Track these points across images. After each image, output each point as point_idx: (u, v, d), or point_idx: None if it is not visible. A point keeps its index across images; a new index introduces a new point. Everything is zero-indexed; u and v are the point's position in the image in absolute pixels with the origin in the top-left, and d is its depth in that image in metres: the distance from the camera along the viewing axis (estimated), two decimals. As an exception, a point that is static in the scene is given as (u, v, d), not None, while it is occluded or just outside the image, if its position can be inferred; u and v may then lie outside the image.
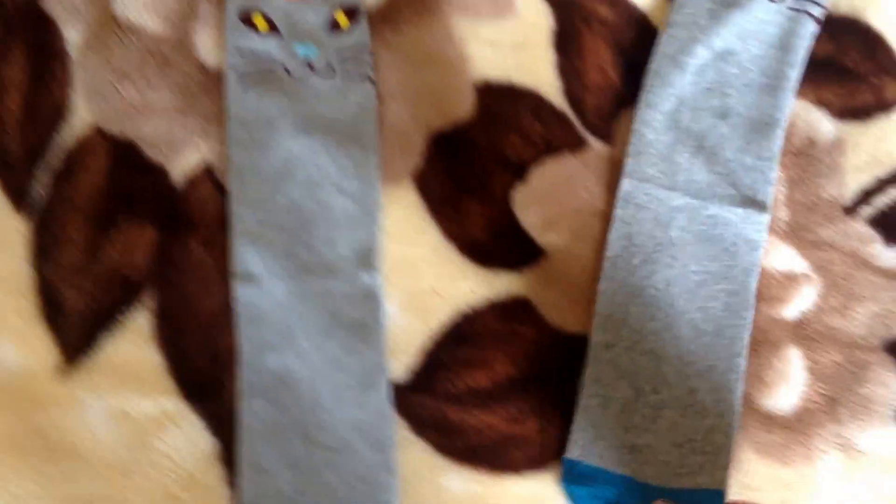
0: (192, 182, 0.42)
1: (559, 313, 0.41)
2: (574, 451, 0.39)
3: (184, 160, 0.42)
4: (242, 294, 0.41)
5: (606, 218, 0.42)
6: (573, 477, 0.39)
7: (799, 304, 0.41)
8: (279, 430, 0.40)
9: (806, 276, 0.41)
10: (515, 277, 0.41)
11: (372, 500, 0.39)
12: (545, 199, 0.42)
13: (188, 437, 0.40)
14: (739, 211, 0.41)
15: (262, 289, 0.41)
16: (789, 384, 0.40)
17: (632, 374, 0.40)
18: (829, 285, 0.41)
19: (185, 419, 0.40)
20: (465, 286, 0.41)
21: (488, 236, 0.42)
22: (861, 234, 0.42)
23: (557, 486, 0.40)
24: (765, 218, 0.41)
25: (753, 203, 0.41)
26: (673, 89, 0.42)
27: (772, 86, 0.43)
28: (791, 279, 0.41)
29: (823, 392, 0.40)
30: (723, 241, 0.41)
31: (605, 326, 0.40)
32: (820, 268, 0.41)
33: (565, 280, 0.41)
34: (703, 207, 0.41)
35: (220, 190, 0.42)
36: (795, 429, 0.39)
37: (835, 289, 0.41)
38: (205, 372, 0.41)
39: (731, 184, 0.41)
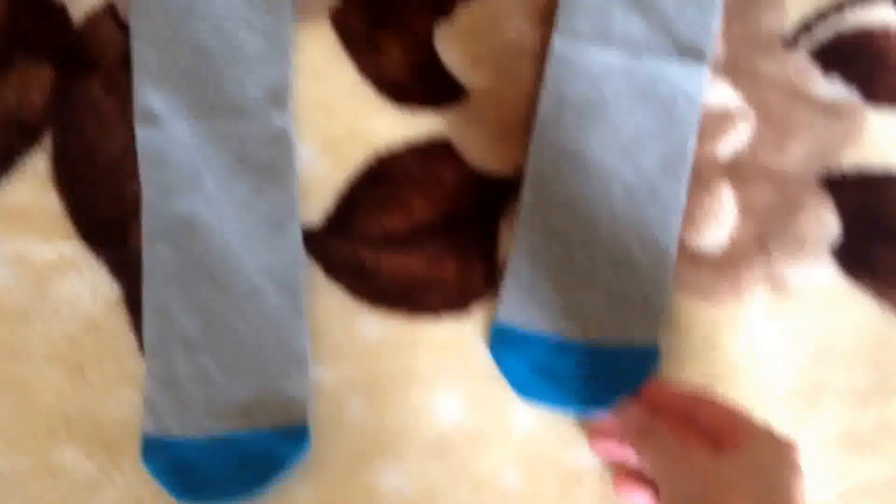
0: (93, 21, 0.40)
1: (481, 154, 0.39)
2: (502, 314, 0.38)
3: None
4: (145, 136, 0.39)
5: (534, 58, 0.40)
6: (502, 342, 0.38)
7: (733, 140, 0.39)
8: (185, 274, 0.38)
9: (741, 111, 0.39)
10: (436, 117, 0.40)
11: (281, 345, 0.38)
12: (470, 36, 0.40)
13: (90, 282, 0.38)
14: (678, 65, 0.39)
15: (165, 131, 0.39)
16: (720, 222, 0.39)
17: (564, 234, 0.38)
18: (765, 120, 0.39)
19: (87, 264, 0.38)
20: (383, 127, 0.39)
21: (408, 75, 0.40)
22: (800, 67, 0.40)
23: (476, 330, 0.39)
24: (704, 70, 0.39)
25: (693, 55, 0.39)
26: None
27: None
28: (725, 115, 0.39)
29: (755, 229, 0.38)
30: (660, 98, 0.39)
31: (537, 187, 0.39)
32: (756, 103, 0.39)
33: (488, 121, 0.40)
34: (640, 63, 0.39)
35: (123, 29, 0.40)
36: (724, 267, 0.38)
37: (770, 124, 0.39)
38: (107, 216, 0.39)
39: (669, 37, 0.39)
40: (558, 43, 0.40)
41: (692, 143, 0.39)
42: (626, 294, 0.38)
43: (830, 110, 0.39)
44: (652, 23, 0.39)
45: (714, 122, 0.39)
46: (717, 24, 0.39)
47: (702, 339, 0.38)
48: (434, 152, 0.39)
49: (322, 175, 0.39)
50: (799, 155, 0.39)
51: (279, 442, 0.38)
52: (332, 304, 0.39)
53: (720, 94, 0.40)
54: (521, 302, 0.38)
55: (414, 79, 0.40)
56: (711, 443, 0.32)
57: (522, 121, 0.40)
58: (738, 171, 0.39)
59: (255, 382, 0.38)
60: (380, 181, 0.39)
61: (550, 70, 0.39)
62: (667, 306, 0.38)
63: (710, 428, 0.33)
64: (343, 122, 0.40)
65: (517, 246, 0.39)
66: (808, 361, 0.38)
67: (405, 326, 0.39)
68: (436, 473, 0.38)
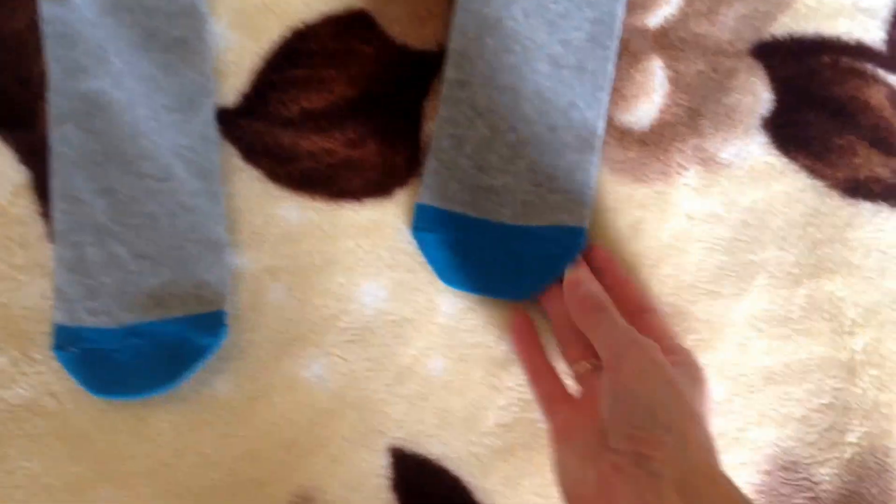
0: None
1: (402, 28, 0.38)
2: (425, 196, 0.37)
3: None
4: (48, 12, 0.37)
5: None
6: (423, 223, 0.37)
7: (663, 9, 0.38)
8: (93, 157, 0.36)
9: None
10: None
11: (196, 230, 0.36)
12: None
13: None
14: None
15: (68, 4, 0.37)
16: (650, 97, 0.38)
17: (488, 112, 0.37)
18: None
19: None
20: (299, 0, 0.38)
21: None
22: None
23: (399, 215, 0.37)
24: None
25: None
26: None
27: None
28: None
29: (685, 103, 0.37)
30: None
31: (459, 63, 0.37)
32: None
33: None
34: None
35: None
36: (654, 144, 0.37)
37: None
38: (12, 98, 0.37)
39: None
40: None
41: (621, 12, 0.37)
42: (553, 175, 0.37)
43: None
44: None
45: None
46: None
47: (630, 220, 0.37)
48: (354, 26, 0.38)
49: (236, 51, 0.38)
50: (731, 23, 0.37)
51: (195, 330, 0.37)
52: (250, 189, 0.38)
53: None
54: (443, 183, 0.37)
55: None
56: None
57: None
58: (668, 43, 0.38)
59: (170, 269, 0.37)
60: (297, 57, 0.38)
61: None
62: (594, 187, 0.37)
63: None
64: None
65: (439, 124, 0.37)
66: (740, 240, 0.37)
67: (326, 212, 0.38)
68: (358, 361, 0.37)
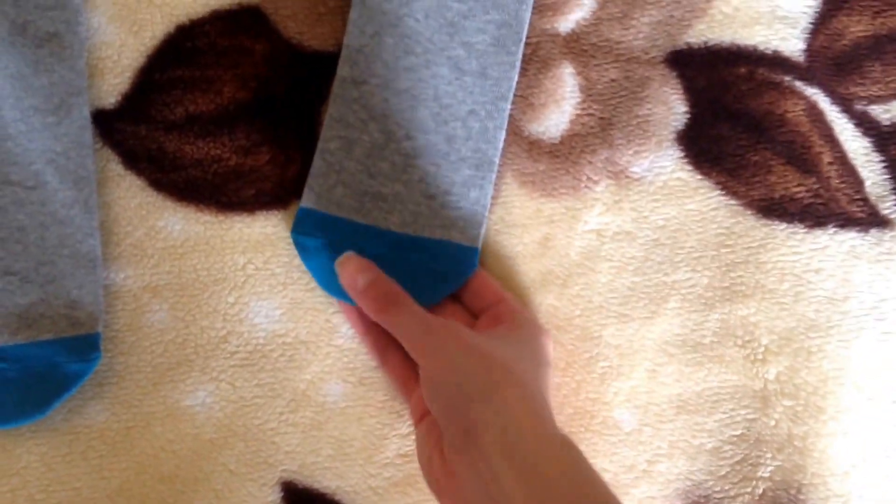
0: None
1: (298, 25, 0.37)
2: (309, 199, 0.36)
3: None
4: None
5: None
6: (306, 227, 0.36)
7: (575, 13, 0.37)
8: None
9: None
10: None
11: (68, 244, 0.35)
12: None
13: None
14: None
15: None
16: (560, 106, 0.37)
17: (383, 116, 0.36)
18: None
19: None
20: None
21: None
22: None
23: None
24: None
25: None
26: None
27: None
28: None
29: (597, 113, 0.37)
30: None
31: (355, 60, 0.36)
32: None
33: None
34: None
35: None
36: (563, 156, 0.37)
37: None
38: None
39: None
40: None
41: (527, 16, 0.37)
42: (447, 189, 0.36)
43: None
44: None
45: None
46: None
47: (538, 236, 0.37)
48: (245, 22, 0.37)
49: (115, 48, 0.36)
50: (645, 29, 0.37)
51: (66, 354, 0.35)
52: (130, 198, 0.36)
53: None
54: (329, 186, 0.36)
55: None
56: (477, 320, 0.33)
57: None
58: (580, 49, 0.37)
59: (40, 287, 0.35)
60: (182, 55, 0.36)
61: None
62: (488, 208, 0.36)
63: (476, 303, 0.34)
64: None
65: (328, 124, 0.36)
66: (651, 260, 0.37)
67: (214, 224, 0.36)
68: (248, 388, 0.36)
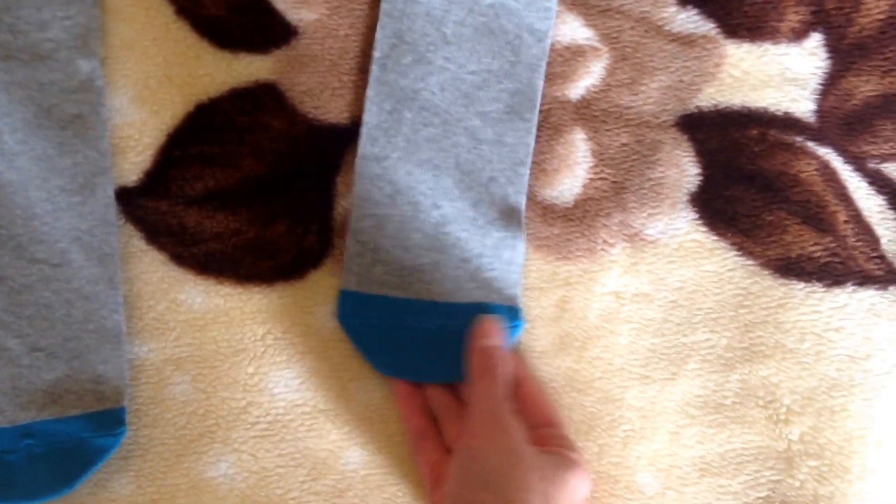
0: None
1: (313, 101, 0.40)
2: (349, 282, 0.38)
3: None
4: None
5: None
6: (350, 310, 0.38)
7: (585, 80, 0.40)
8: None
9: (593, 48, 0.40)
10: (261, 60, 0.40)
11: (93, 319, 0.38)
12: None
13: None
14: None
15: None
16: (572, 171, 0.40)
17: (408, 189, 0.38)
18: (618, 57, 0.41)
19: None
20: (203, 71, 0.40)
21: (229, 13, 0.40)
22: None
23: (312, 299, 0.39)
24: (553, 3, 0.39)
25: None
26: None
27: None
28: (576, 53, 0.41)
29: (610, 177, 0.40)
30: (505, 34, 0.39)
31: (375, 137, 0.39)
32: (608, 38, 0.41)
33: (319, 62, 0.40)
34: None
35: None
36: (578, 220, 0.39)
37: (624, 61, 0.40)
38: None
39: None
40: None
41: (540, 83, 0.40)
42: (480, 252, 0.39)
43: (688, 45, 0.41)
44: None
45: (564, 62, 0.41)
46: None
47: (555, 298, 0.39)
48: (261, 99, 0.40)
49: (137, 127, 0.40)
50: (655, 94, 0.40)
51: (92, 429, 0.38)
52: (152, 273, 0.39)
53: (570, 30, 0.41)
54: (367, 266, 0.38)
55: (236, 17, 0.40)
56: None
57: (358, 62, 0.41)
58: (591, 114, 0.41)
59: (66, 363, 0.38)
60: (201, 133, 0.40)
61: (385, 5, 0.40)
62: (522, 265, 0.38)
63: (529, 415, 0.36)
64: (159, 67, 0.40)
65: (357, 204, 0.39)
66: (670, 321, 0.39)
67: (234, 296, 0.39)
68: (269, 458, 0.38)
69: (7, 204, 0.37)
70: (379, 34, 0.39)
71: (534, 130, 0.39)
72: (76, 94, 0.38)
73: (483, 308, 0.38)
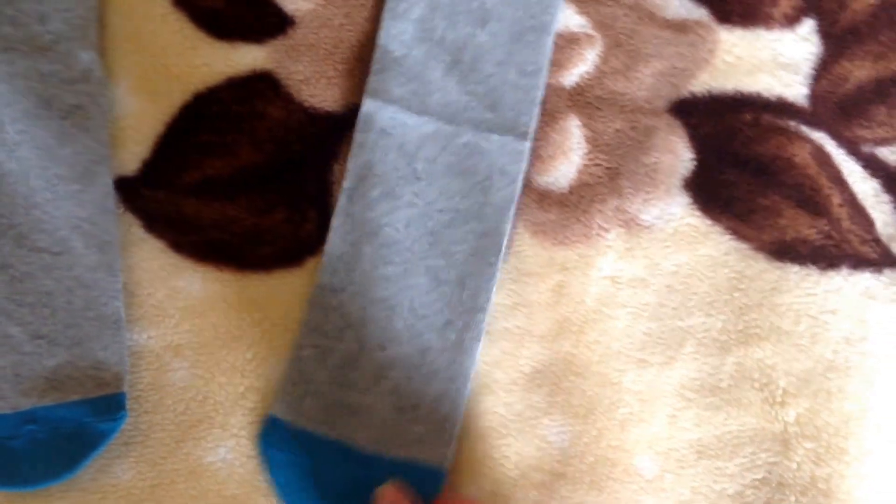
0: None
1: (310, 89, 0.41)
2: (279, 409, 0.38)
3: None
4: None
5: None
6: (273, 439, 0.38)
7: (579, 67, 0.41)
8: None
9: (587, 35, 0.42)
10: (258, 50, 0.42)
11: (93, 307, 0.39)
12: None
13: None
14: (497, 138, 0.39)
15: None
16: (567, 157, 0.41)
17: (360, 324, 0.39)
18: (612, 44, 0.42)
19: None
20: (200, 61, 0.41)
21: (226, 4, 0.42)
22: None
23: (310, 284, 0.40)
24: (525, 147, 0.39)
25: (513, 129, 0.39)
26: None
27: None
28: (570, 40, 0.42)
29: (604, 163, 0.41)
30: (476, 175, 0.39)
31: (335, 268, 0.39)
32: (601, 25, 0.42)
33: (317, 51, 0.42)
34: (456, 134, 0.39)
35: None
36: (573, 205, 0.41)
37: (618, 48, 0.42)
38: None
39: (489, 105, 0.39)
40: (368, 105, 0.40)
41: (507, 228, 0.39)
42: (418, 403, 0.38)
43: (681, 31, 0.42)
44: (472, 92, 0.40)
45: (558, 49, 0.41)
46: (540, 92, 0.39)
47: (552, 283, 0.40)
48: (258, 88, 0.41)
49: (135, 117, 0.41)
50: (648, 80, 0.41)
51: (93, 414, 0.39)
52: (151, 261, 0.41)
53: (564, 18, 0.42)
54: (299, 396, 0.38)
55: (233, 8, 0.42)
56: None
57: (354, 49, 0.42)
58: (584, 101, 0.42)
59: (67, 350, 0.39)
60: (199, 122, 0.42)
61: (358, 136, 0.40)
62: (461, 422, 0.37)
63: None
64: (156, 57, 0.41)
65: (304, 332, 0.39)
66: (666, 305, 0.40)
67: (232, 283, 0.40)
68: None
69: (8, 193, 0.38)
70: (350, 164, 0.39)
71: (497, 276, 0.38)
72: (76, 84, 0.39)
73: (405, 467, 0.36)
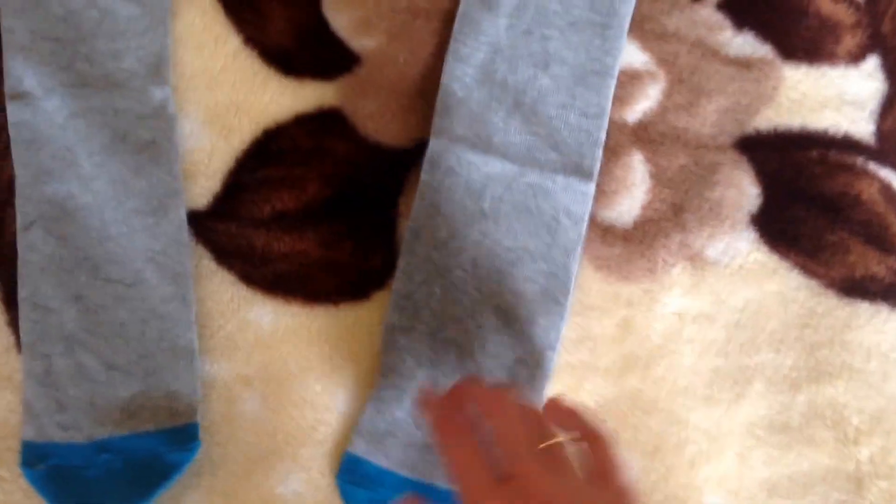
0: None
1: (375, 125, 0.43)
2: (359, 447, 0.39)
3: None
4: (16, 114, 0.42)
5: (426, 15, 0.43)
6: (353, 477, 0.39)
7: (642, 104, 0.42)
8: (62, 263, 0.41)
9: (650, 72, 0.42)
10: (325, 87, 0.43)
11: (167, 338, 0.40)
12: None
13: None
14: (561, 179, 0.40)
15: (36, 108, 0.41)
16: (631, 192, 0.42)
17: (431, 364, 0.40)
18: (675, 81, 0.43)
19: None
20: (270, 98, 0.43)
21: (295, 42, 0.43)
22: (709, 21, 0.43)
23: (377, 317, 0.41)
24: (590, 188, 0.40)
25: (578, 170, 0.40)
26: (486, 36, 0.40)
27: (601, 24, 0.40)
28: (633, 77, 0.43)
29: (668, 199, 0.42)
30: (542, 214, 0.40)
31: (403, 307, 0.40)
32: (664, 62, 0.43)
33: (382, 87, 0.43)
34: (521, 174, 0.40)
35: None
36: (638, 240, 0.42)
37: (681, 84, 0.43)
38: None
39: (552, 146, 0.40)
40: (435, 146, 0.41)
41: (575, 268, 0.40)
42: None
43: (744, 68, 0.43)
44: (535, 133, 0.40)
45: (621, 85, 0.42)
46: (603, 133, 0.40)
47: (617, 319, 0.41)
48: (325, 124, 0.43)
49: (207, 152, 0.43)
50: (713, 116, 0.42)
51: (166, 444, 0.40)
52: (222, 293, 0.42)
53: (627, 55, 0.42)
54: (380, 436, 0.38)
55: (301, 46, 0.43)
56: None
57: (418, 85, 0.43)
58: (648, 137, 0.43)
59: (140, 380, 0.40)
60: (268, 157, 0.43)
61: (425, 175, 0.41)
62: None
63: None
64: (227, 94, 0.43)
65: (383, 373, 0.39)
66: (734, 342, 0.41)
67: (301, 315, 0.42)
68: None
69: (83, 226, 0.40)
70: (416, 203, 0.40)
71: (566, 316, 0.39)
72: (149, 120, 0.41)
73: None
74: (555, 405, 0.34)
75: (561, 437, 0.32)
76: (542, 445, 0.31)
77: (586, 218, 0.39)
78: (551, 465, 0.30)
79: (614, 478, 0.31)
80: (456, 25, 0.40)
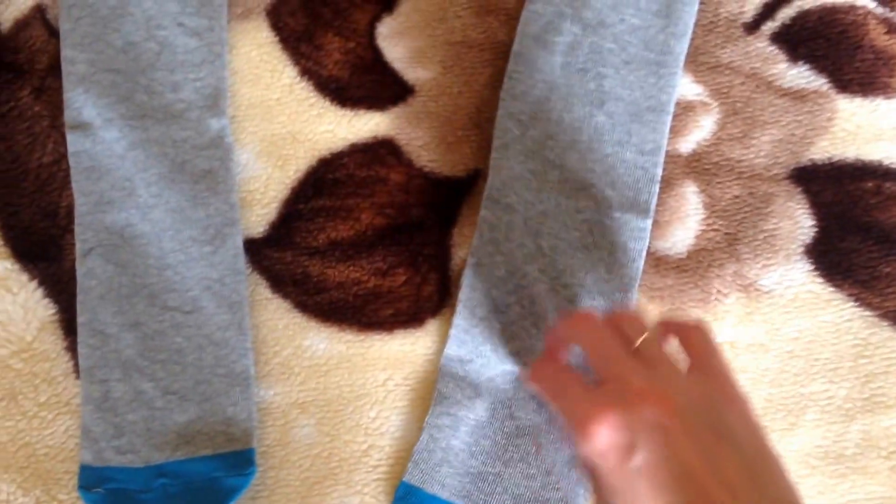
0: (22, 25, 0.44)
1: (429, 154, 0.44)
2: (415, 476, 0.40)
3: (11, 2, 0.40)
4: (76, 144, 0.43)
5: (479, 46, 0.44)
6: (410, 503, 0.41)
7: (695, 134, 0.42)
8: (120, 290, 0.42)
9: (703, 103, 0.43)
10: (379, 117, 0.44)
11: (223, 364, 0.41)
12: (413, 30, 0.45)
13: (22, 302, 0.42)
14: (618, 216, 0.40)
15: (96, 138, 0.42)
16: (684, 222, 0.43)
17: (488, 393, 0.40)
18: (729, 112, 0.44)
19: (19, 283, 0.43)
20: (325, 128, 0.44)
21: (350, 73, 0.44)
22: (763, 53, 0.44)
23: (429, 346, 0.43)
24: (647, 224, 0.41)
25: (634, 206, 0.40)
26: (541, 74, 0.41)
27: (656, 62, 0.40)
28: (687, 108, 0.44)
29: (722, 229, 0.42)
30: (598, 250, 0.40)
31: (463, 341, 0.41)
32: (718, 93, 0.44)
33: (435, 118, 0.44)
34: (578, 210, 0.41)
35: (53, 34, 0.42)
36: (691, 270, 0.42)
37: (734, 115, 0.43)
38: (40, 232, 0.43)
39: (608, 183, 0.41)
40: (493, 182, 0.40)
41: (633, 303, 0.40)
42: (549, 470, 0.38)
43: (799, 99, 0.43)
44: (591, 170, 0.39)
45: (675, 117, 0.43)
46: (659, 170, 0.38)
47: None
48: (380, 154, 0.44)
49: (262, 181, 0.44)
50: (767, 148, 0.43)
51: (223, 469, 0.41)
52: (277, 320, 0.43)
53: (680, 87, 0.43)
54: (435, 464, 0.39)
55: (356, 77, 0.45)
56: None
57: (472, 116, 0.45)
58: (702, 167, 0.44)
59: (197, 405, 0.41)
60: (323, 186, 0.44)
61: (484, 212, 0.40)
62: (588, 491, 0.37)
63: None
64: (283, 124, 0.44)
65: (437, 400, 0.39)
66: (787, 371, 0.42)
67: (356, 343, 0.43)
68: (390, 500, 0.40)
69: (141, 254, 0.41)
70: (476, 239, 0.41)
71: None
72: (207, 150, 0.42)
73: None
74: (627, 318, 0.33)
75: (648, 333, 0.31)
76: (636, 344, 0.31)
77: (643, 254, 0.40)
78: (647, 362, 0.30)
79: (712, 365, 0.31)
80: (511, 63, 0.41)
